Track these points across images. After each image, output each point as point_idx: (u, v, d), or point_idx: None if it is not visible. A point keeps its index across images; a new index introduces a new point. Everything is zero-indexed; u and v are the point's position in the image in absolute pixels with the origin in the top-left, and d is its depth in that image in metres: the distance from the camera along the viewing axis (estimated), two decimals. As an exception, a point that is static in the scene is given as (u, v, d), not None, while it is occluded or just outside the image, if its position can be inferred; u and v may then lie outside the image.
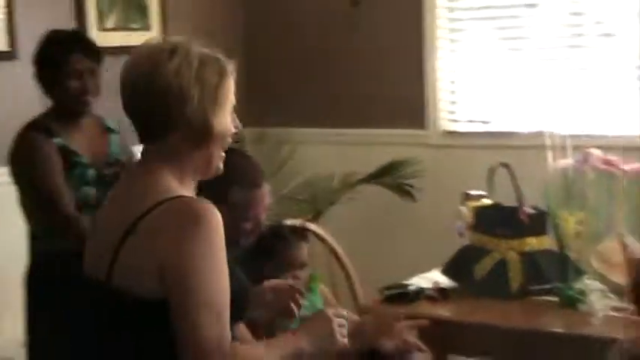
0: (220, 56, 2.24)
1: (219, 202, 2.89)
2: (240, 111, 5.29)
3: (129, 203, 2.18)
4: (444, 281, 3.39)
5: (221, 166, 2.30)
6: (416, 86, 5.05)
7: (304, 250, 3.23)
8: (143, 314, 2.13)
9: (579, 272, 3.18)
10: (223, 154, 2.29)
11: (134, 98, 2.20)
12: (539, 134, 4.47)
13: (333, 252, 3.70)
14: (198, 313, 2.07)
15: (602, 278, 3.17)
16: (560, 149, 3.37)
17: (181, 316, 2.08)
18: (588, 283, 3.13)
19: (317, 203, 4.83)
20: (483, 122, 5.00)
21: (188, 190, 2.23)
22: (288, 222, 3.62)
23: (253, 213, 3.00)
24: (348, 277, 3.69)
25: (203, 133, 2.19)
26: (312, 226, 3.72)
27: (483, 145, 4.87)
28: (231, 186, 2.96)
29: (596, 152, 3.45)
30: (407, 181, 4.85)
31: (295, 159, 4.87)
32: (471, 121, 5.04)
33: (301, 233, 3.32)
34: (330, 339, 2.35)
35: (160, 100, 2.15)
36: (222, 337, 2.10)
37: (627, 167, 3.42)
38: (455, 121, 5.06)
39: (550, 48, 4.80)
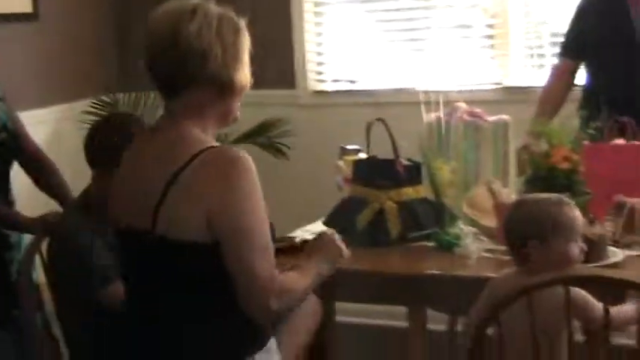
0: (234, 14, 2.35)
1: (111, 165, 2.93)
2: (114, 76, 5.33)
3: (164, 157, 2.27)
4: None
5: (238, 115, 2.41)
6: (285, 48, 5.13)
7: None
8: (194, 257, 2.23)
9: (454, 218, 3.28)
10: (239, 105, 2.39)
11: (158, 60, 2.29)
12: (405, 91, 4.66)
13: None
14: (251, 254, 2.20)
15: (474, 223, 3.28)
16: (430, 104, 3.48)
17: (235, 258, 2.20)
18: (462, 228, 3.23)
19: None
20: (350, 81, 5.10)
21: (213, 140, 2.33)
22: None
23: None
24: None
25: (225, 88, 2.29)
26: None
27: (351, 102, 4.98)
28: (123, 149, 2.99)
29: (463, 105, 3.60)
30: (279, 140, 4.92)
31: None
32: (337, 81, 5.15)
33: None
34: (338, 258, 2.51)
35: (183, 61, 2.25)
36: (273, 274, 2.24)
37: (491, 118, 3.58)
38: (323, 81, 5.16)
39: (410, 8, 4.94)
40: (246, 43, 2.36)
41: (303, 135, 4.93)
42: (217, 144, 2.32)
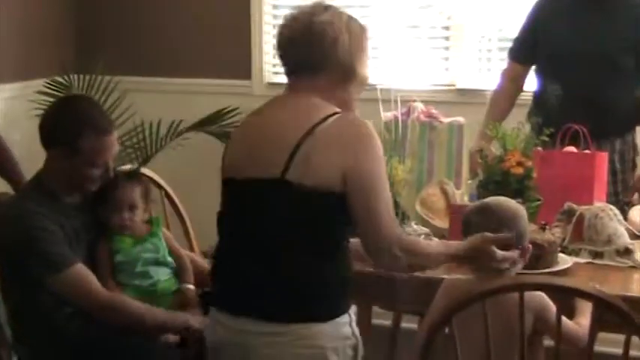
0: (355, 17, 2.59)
1: (67, 147, 2.85)
2: (69, 59, 5.21)
3: (297, 116, 2.47)
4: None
5: (355, 107, 2.60)
6: (242, 39, 5.05)
7: (134, 192, 3.13)
8: (323, 203, 2.41)
9: (407, 217, 3.25)
10: (357, 97, 2.61)
11: (294, 42, 2.52)
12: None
13: (168, 197, 3.67)
14: (378, 206, 2.42)
15: (427, 223, 3.28)
16: (387, 102, 3.44)
17: (365, 208, 2.42)
18: (416, 227, 3.21)
19: (145, 150, 4.77)
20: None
21: None
22: (124, 167, 3.57)
23: (102, 159, 2.96)
24: (183, 221, 3.67)
25: (349, 74, 2.53)
26: (147, 172, 3.65)
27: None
28: (81, 132, 2.92)
29: (420, 105, 3.56)
30: (231, 129, 4.85)
31: (123, 106, 4.78)
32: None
33: (134, 176, 3.27)
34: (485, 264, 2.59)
35: (317, 44, 2.48)
36: (395, 226, 2.48)
37: (446, 119, 3.55)
38: (278, 73, 5.09)
39: (367, 6, 4.90)
40: (368, 42, 2.60)
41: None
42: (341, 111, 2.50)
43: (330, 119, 2.43)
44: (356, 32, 2.54)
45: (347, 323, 2.49)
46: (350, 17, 2.56)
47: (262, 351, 2.45)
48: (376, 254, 2.48)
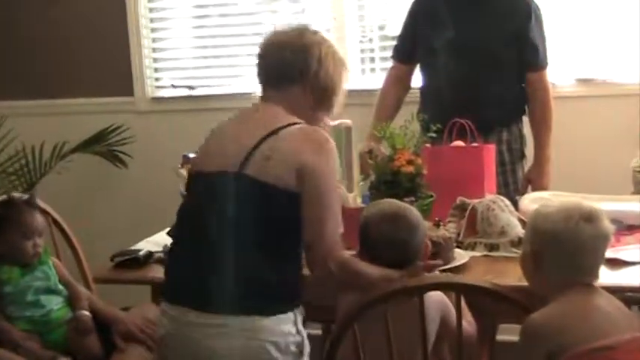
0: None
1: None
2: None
3: (263, 119, 2.55)
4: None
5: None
6: (122, 55, 4.95)
7: (39, 217, 3.11)
8: (278, 201, 2.45)
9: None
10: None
11: (280, 50, 2.59)
12: (245, 96, 4.55)
13: (55, 223, 3.55)
14: (325, 214, 2.47)
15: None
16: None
17: (311, 214, 2.46)
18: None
19: (29, 175, 4.64)
20: (189, 87, 4.98)
21: None
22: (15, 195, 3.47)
23: None
24: (72, 247, 3.56)
25: (323, 97, 2.62)
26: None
27: (190, 109, 4.88)
28: None
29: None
30: (118, 148, 4.77)
31: (2, 132, 4.64)
32: (176, 87, 5.02)
33: (33, 202, 3.18)
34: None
35: (303, 57, 2.56)
36: (338, 242, 2.50)
37: (333, 122, 3.51)
38: (162, 87, 5.02)
39: (244, 13, 4.86)
40: (346, 79, 2.69)
41: (143, 143, 4.81)
42: None
43: (295, 126, 2.52)
44: (340, 63, 2.65)
45: (291, 321, 2.50)
46: (335, 48, 2.66)
47: (205, 342, 2.48)
48: (312, 262, 2.52)
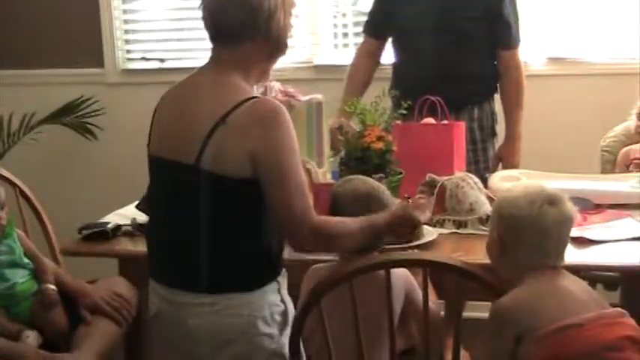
0: None
1: None
2: None
3: (212, 100, 2.46)
4: (141, 217, 3.28)
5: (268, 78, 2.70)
6: (93, 26, 4.92)
7: (1, 190, 3.05)
8: (234, 190, 2.42)
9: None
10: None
11: (226, 9, 2.50)
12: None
13: (22, 194, 3.53)
14: (288, 187, 2.42)
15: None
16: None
17: (274, 191, 2.42)
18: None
19: (-5, 146, 4.61)
20: (160, 60, 4.96)
21: (254, 92, 2.56)
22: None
23: None
24: (40, 219, 3.53)
25: (277, 49, 2.56)
26: (0, 170, 3.52)
27: (161, 81, 4.80)
28: None
29: (277, 85, 3.50)
30: (88, 120, 4.74)
31: (-30, 103, 4.61)
32: (147, 60, 4.98)
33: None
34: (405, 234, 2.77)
35: (252, 15, 2.47)
36: (309, 208, 2.45)
37: (304, 97, 3.49)
38: (132, 59, 4.98)
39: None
40: (294, 16, 2.61)
41: (113, 115, 4.79)
42: (259, 95, 2.57)
43: (243, 106, 2.43)
44: (289, 8, 2.58)
45: (275, 290, 2.52)
46: None
47: (191, 321, 2.49)
48: (290, 237, 2.51)
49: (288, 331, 2.52)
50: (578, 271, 2.50)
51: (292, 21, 2.60)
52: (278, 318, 2.51)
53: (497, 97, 4.05)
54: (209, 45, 4.75)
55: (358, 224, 2.54)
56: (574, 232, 2.68)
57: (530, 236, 2.33)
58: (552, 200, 2.33)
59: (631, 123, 3.74)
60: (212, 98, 2.48)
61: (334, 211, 2.68)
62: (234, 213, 2.46)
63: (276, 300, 2.51)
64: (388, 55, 4.13)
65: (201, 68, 2.61)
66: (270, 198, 2.44)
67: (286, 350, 2.52)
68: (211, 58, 2.58)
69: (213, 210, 2.46)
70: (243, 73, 2.52)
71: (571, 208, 2.36)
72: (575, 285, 2.34)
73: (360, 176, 2.85)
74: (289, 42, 2.61)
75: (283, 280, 2.56)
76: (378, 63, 4.14)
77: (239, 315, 2.46)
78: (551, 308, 2.23)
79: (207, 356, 2.50)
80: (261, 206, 2.47)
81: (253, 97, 2.46)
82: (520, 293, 2.30)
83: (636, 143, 3.72)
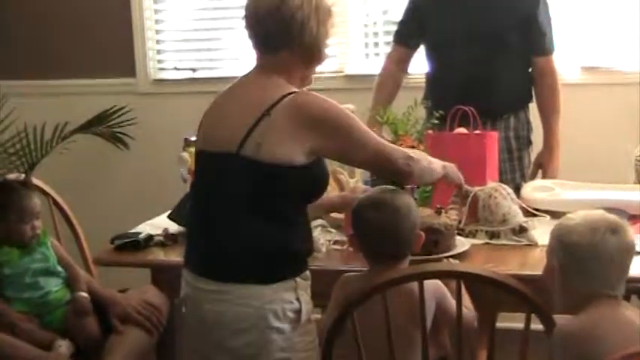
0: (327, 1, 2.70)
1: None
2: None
3: (256, 95, 2.58)
4: (172, 226, 3.32)
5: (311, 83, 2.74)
6: (125, 37, 4.95)
7: (37, 200, 3.10)
8: (278, 177, 2.52)
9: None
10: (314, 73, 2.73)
11: (263, 20, 2.60)
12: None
13: (56, 204, 3.55)
14: (375, 148, 2.64)
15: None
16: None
17: (363, 153, 2.63)
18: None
19: (30, 156, 4.62)
20: (192, 70, 4.98)
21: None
22: (11, 176, 3.45)
23: None
24: (73, 228, 3.55)
25: (312, 57, 2.66)
26: (34, 179, 3.54)
27: (192, 91, 4.87)
28: None
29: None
30: (119, 130, 4.76)
31: (5, 112, 4.63)
32: (178, 69, 5.01)
33: (27, 184, 3.18)
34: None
35: (286, 26, 2.58)
36: (395, 148, 2.72)
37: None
38: (164, 69, 5.01)
39: None
40: (333, 26, 2.70)
41: (144, 125, 4.80)
42: (297, 90, 2.62)
43: (285, 99, 2.54)
44: (324, 18, 2.65)
45: (292, 288, 2.56)
46: (319, 2, 2.65)
47: (209, 307, 2.58)
48: (398, 176, 2.75)
49: (300, 330, 2.57)
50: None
51: (329, 30, 2.68)
52: (291, 315, 2.55)
53: (532, 105, 4.03)
54: (239, 54, 4.83)
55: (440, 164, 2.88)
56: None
57: (591, 265, 2.30)
58: (615, 228, 2.30)
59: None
60: (255, 94, 2.60)
61: (352, 219, 2.72)
62: (268, 203, 2.54)
63: (290, 297, 2.55)
64: (417, 64, 4.12)
65: (246, 74, 2.72)
66: (363, 159, 2.68)
67: (298, 348, 2.57)
68: (255, 65, 2.70)
69: (247, 198, 2.54)
70: (284, 77, 2.63)
71: (632, 236, 2.33)
72: (635, 315, 2.32)
73: (385, 186, 2.83)
74: (327, 50, 2.71)
75: (303, 281, 2.61)
76: (406, 71, 4.13)
77: (249, 305, 2.52)
78: (614, 336, 2.20)
79: (223, 342, 2.57)
80: (298, 204, 2.60)
81: (292, 92, 2.57)
82: (582, 319, 2.28)
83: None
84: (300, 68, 2.65)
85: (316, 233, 3.06)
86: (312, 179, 2.62)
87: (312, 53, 2.65)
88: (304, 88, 2.66)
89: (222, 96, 2.73)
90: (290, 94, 2.56)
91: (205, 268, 2.62)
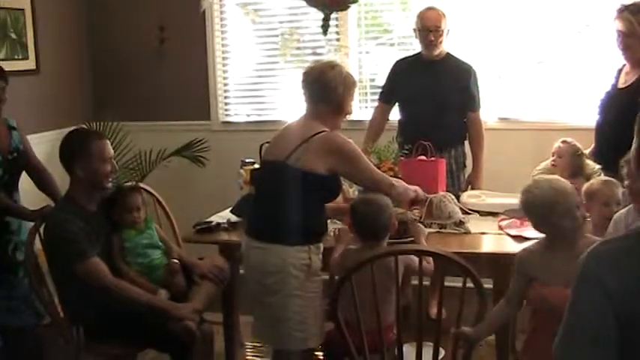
0: (351, 74, 2.75)
1: (81, 156, 2.70)
2: (88, 111, 5.02)
3: (301, 131, 2.64)
4: (233, 217, 3.33)
5: (339, 127, 2.74)
6: (204, 91, 4.92)
7: (138, 198, 3.06)
8: (311, 180, 2.56)
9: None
10: (342, 123, 2.76)
11: (310, 85, 2.69)
12: (282, 122, 4.51)
13: (158, 202, 3.55)
14: (366, 175, 2.70)
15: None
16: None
17: (362, 178, 2.71)
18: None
19: (141, 170, 4.63)
20: (247, 115, 4.97)
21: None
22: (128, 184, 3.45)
23: (107, 156, 2.83)
24: (169, 218, 3.55)
25: (339, 110, 2.70)
26: (144, 185, 3.54)
27: (248, 129, 4.86)
28: (87, 139, 2.84)
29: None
30: (200, 154, 4.76)
31: (126, 142, 4.64)
32: (238, 114, 5.00)
33: (135, 188, 3.17)
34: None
35: (323, 89, 2.66)
36: (383, 177, 2.76)
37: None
38: (229, 114, 5.00)
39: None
40: (354, 91, 2.74)
41: (215, 151, 4.79)
42: (327, 130, 2.65)
43: (321, 134, 2.60)
44: (349, 84, 2.69)
45: (305, 250, 2.60)
46: (348, 73, 2.71)
47: (253, 257, 2.66)
48: (383, 193, 2.71)
49: (310, 279, 2.60)
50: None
51: (353, 95, 2.73)
52: (304, 267, 2.59)
53: (466, 142, 4.02)
54: (281, 104, 4.77)
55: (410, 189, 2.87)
56: (514, 232, 2.63)
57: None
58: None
59: (549, 161, 3.69)
60: (301, 130, 2.65)
61: (351, 212, 2.69)
62: (300, 196, 2.56)
63: (304, 256, 2.59)
64: (395, 114, 4.11)
65: (298, 118, 2.75)
66: (360, 181, 2.76)
67: (307, 289, 2.60)
68: (304, 113, 2.74)
69: (290, 190, 2.57)
70: (320, 121, 2.66)
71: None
72: None
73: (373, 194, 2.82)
74: (351, 110, 2.75)
75: (315, 248, 2.64)
76: (387, 119, 4.12)
77: (278, 257, 2.58)
78: None
79: (260, 279, 2.61)
80: (319, 197, 2.63)
81: (325, 131, 2.63)
82: None
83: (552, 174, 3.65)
84: (331, 118, 2.69)
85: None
86: (330, 186, 2.66)
87: (339, 108, 2.69)
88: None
89: (282, 129, 2.77)
90: (322, 131, 2.61)
91: (255, 232, 2.68)
